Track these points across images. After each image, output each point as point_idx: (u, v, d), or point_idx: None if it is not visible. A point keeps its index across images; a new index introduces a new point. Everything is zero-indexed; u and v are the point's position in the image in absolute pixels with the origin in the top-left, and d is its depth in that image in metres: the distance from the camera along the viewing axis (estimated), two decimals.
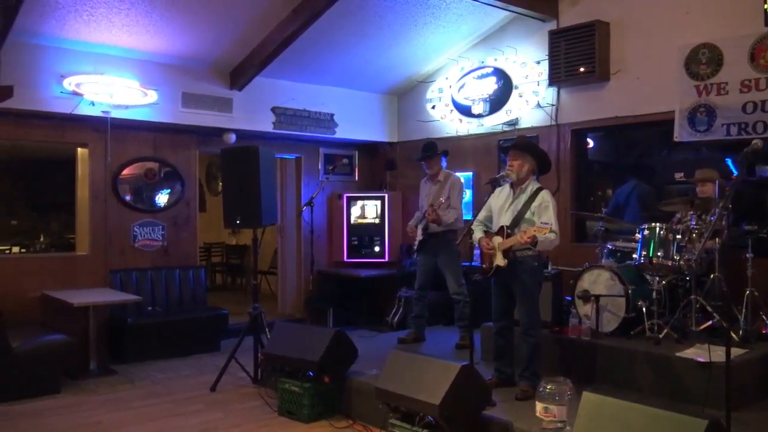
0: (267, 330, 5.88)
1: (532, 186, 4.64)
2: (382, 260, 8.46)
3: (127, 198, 7.17)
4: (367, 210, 8.61)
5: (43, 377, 5.60)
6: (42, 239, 11.64)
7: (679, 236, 4.91)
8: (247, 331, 5.92)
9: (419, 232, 6.01)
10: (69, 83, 6.22)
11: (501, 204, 4.72)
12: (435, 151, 6.11)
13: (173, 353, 6.85)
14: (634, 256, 5.07)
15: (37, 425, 4.84)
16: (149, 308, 7.08)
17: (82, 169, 7.08)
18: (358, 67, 7.75)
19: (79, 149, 7.06)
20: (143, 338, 6.77)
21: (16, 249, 10.63)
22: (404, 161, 8.53)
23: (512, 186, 4.72)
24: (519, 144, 4.97)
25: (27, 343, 5.58)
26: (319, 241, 8.38)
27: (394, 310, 7.52)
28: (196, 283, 7.59)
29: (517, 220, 4.55)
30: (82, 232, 7.14)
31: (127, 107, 6.63)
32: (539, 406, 3.84)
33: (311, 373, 4.94)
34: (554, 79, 6.61)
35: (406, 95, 8.62)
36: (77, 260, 6.96)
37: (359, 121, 8.46)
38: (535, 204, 4.54)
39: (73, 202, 7.28)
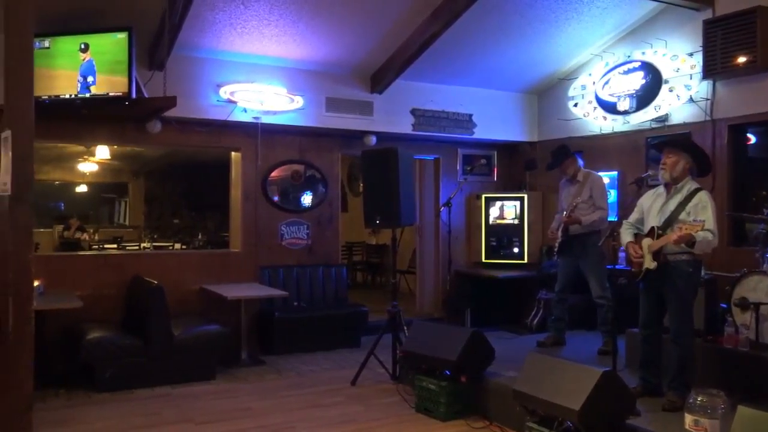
0: (405, 328, 5.99)
1: (688, 186, 4.36)
2: (521, 261, 8.32)
3: (275, 199, 7.59)
4: (506, 211, 8.50)
5: (201, 364, 6.06)
6: (200, 237, 12.51)
7: None
8: (386, 328, 6.05)
9: (559, 234, 5.86)
10: (224, 92, 6.69)
11: (653, 205, 4.49)
12: (566, 154, 5.94)
13: (316, 347, 7.16)
14: None
15: (196, 408, 5.25)
16: (295, 303, 7.45)
17: (236, 172, 7.57)
18: (498, 66, 7.69)
19: (233, 153, 7.56)
20: (289, 331, 7.13)
21: (177, 246, 11.49)
22: (545, 161, 8.29)
23: (666, 186, 4.47)
24: (674, 140, 4.70)
25: (187, 332, 6.06)
26: (456, 241, 8.39)
27: (533, 313, 7.38)
28: (338, 281, 7.87)
29: (670, 221, 4.29)
30: (235, 231, 7.64)
31: (275, 113, 7.02)
32: (689, 418, 3.63)
33: (448, 372, 4.97)
34: (709, 72, 6.18)
35: (547, 93, 8.42)
36: (231, 257, 7.46)
37: (498, 121, 8.38)
38: (691, 204, 4.26)
39: (227, 202, 7.81)
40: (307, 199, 7.79)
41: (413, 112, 7.82)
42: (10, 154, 2.94)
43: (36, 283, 3.94)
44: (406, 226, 6.12)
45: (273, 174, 7.57)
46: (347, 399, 5.50)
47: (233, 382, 6.05)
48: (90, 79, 5.82)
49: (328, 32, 6.61)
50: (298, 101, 7.03)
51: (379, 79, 7.46)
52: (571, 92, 7.81)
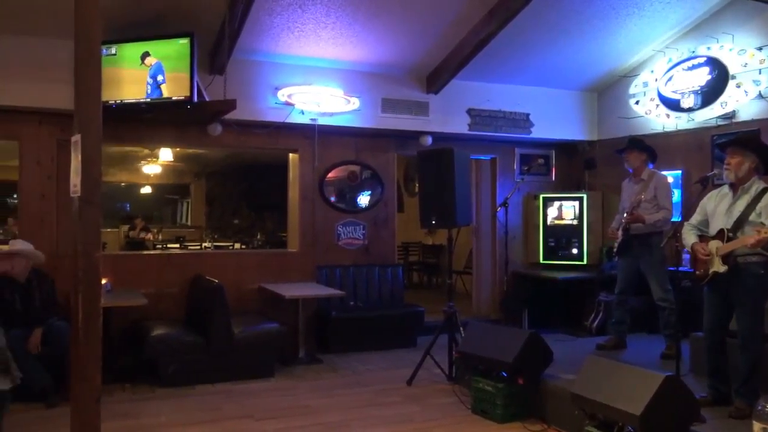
0: (461, 328, 5.96)
1: (756, 186, 4.19)
2: (580, 263, 8.16)
3: (332, 199, 7.66)
4: (565, 211, 8.36)
5: (260, 362, 6.17)
6: (259, 237, 12.72)
7: None
8: (442, 329, 6.03)
9: (620, 233, 5.73)
10: (282, 94, 6.81)
11: (718, 207, 4.33)
12: (637, 145, 5.80)
13: (372, 346, 7.20)
14: None
15: (256, 404, 5.35)
16: (351, 303, 7.51)
17: (293, 173, 7.69)
18: (555, 64, 7.57)
19: (291, 154, 7.67)
20: (345, 331, 7.19)
21: (237, 245, 11.72)
22: (605, 160, 8.17)
23: (732, 187, 4.31)
24: (738, 140, 4.53)
25: (246, 330, 6.18)
26: (513, 241, 8.28)
27: (593, 315, 7.23)
28: (394, 281, 7.89)
29: (740, 223, 4.13)
30: (292, 231, 7.76)
31: (332, 114, 7.10)
32: (757, 426, 3.49)
33: (505, 374, 4.92)
34: None
35: (607, 91, 8.24)
36: (288, 256, 7.57)
37: (556, 120, 8.25)
38: (761, 205, 4.09)
39: (285, 202, 7.93)
40: (363, 199, 7.83)
41: (469, 111, 7.78)
42: (80, 157, 3.05)
43: (104, 281, 4.09)
44: (462, 226, 6.09)
45: (330, 175, 7.64)
46: (404, 399, 5.51)
47: (291, 379, 6.14)
48: (160, 78, 6.01)
49: (384, 33, 6.65)
50: (355, 102, 7.08)
51: (435, 79, 7.44)
52: (632, 89, 7.63)
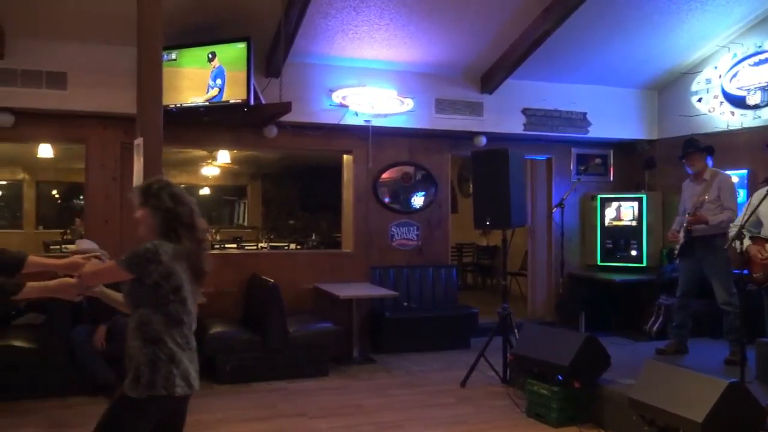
0: (516, 331, 5.90)
1: None
2: (640, 265, 7.96)
3: (386, 200, 7.69)
4: (623, 211, 8.16)
5: (314, 360, 6.24)
6: (313, 237, 12.86)
7: None
8: (497, 330, 5.99)
9: (681, 235, 5.57)
10: (336, 96, 6.87)
11: None
12: (697, 146, 5.62)
13: (425, 347, 7.18)
14: None
15: (311, 402, 5.42)
16: (404, 303, 7.52)
17: (347, 174, 7.75)
18: (613, 62, 7.41)
19: (345, 156, 7.74)
20: (399, 331, 7.20)
21: (292, 246, 11.88)
22: (665, 160, 7.94)
23: None
24: None
25: (301, 329, 6.26)
26: (570, 243, 8.14)
27: (652, 319, 7.03)
28: (448, 282, 7.86)
29: None
30: (347, 232, 7.82)
31: (386, 116, 7.12)
32: None
33: (560, 377, 4.84)
34: None
35: (667, 89, 8.01)
36: (343, 257, 7.63)
37: (614, 119, 8.07)
38: None
39: (339, 203, 8.00)
40: (417, 200, 7.83)
41: (524, 111, 7.69)
42: (142, 159, 3.16)
43: None
44: (517, 227, 6.03)
45: (383, 176, 7.67)
46: (457, 400, 5.49)
47: (345, 379, 6.19)
48: (219, 81, 6.16)
49: (438, 34, 6.64)
50: (408, 103, 7.09)
51: (490, 79, 7.39)
52: (694, 87, 7.41)
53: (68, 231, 12.31)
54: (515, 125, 7.67)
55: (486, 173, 6.00)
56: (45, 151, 9.51)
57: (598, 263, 8.23)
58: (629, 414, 4.14)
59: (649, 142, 8.29)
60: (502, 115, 7.59)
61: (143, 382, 2.57)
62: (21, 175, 14.48)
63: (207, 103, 6.20)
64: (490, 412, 5.18)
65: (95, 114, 6.42)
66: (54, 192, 15.77)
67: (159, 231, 2.68)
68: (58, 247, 10.77)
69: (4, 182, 15.15)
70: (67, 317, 5.55)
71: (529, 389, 5.04)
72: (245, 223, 16.52)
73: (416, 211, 7.82)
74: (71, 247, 6.24)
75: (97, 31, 6.02)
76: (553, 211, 7.75)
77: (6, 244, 3.10)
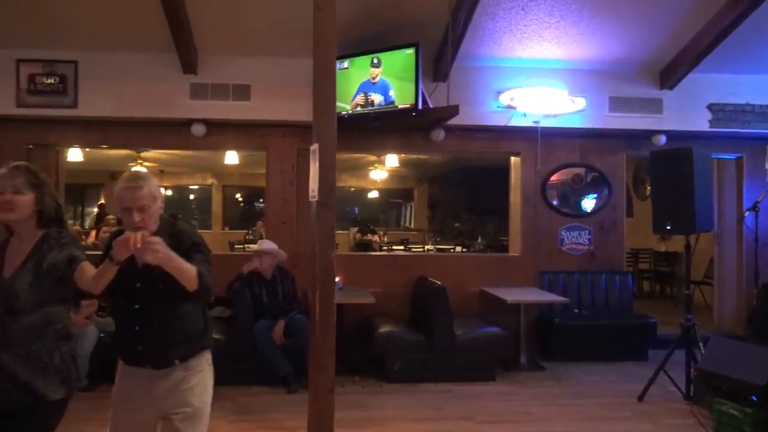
0: (701, 344, 5.45)
1: None
2: None
3: (555, 203, 7.45)
4: None
5: (481, 364, 6.18)
6: (479, 240, 12.79)
7: None
8: (678, 343, 5.57)
9: None
10: (504, 98, 6.77)
11: None
12: None
13: (597, 357, 6.85)
14: None
15: (478, 406, 5.38)
16: (575, 310, 7.23)
17: (515, 176, 7.61)
18: None
19: (512, 158, 7.61)
20: (569, 339, 6.94)
21: (458, 248, 11.89)
22: None
23: None
24: None
25: (468, 333, 6.24)
26: (765, 250, 7.38)
27: None
28: (623, 289, 7.45)
29: None
30: (514, 235, 7.68)
31: (555, 116, 6.91)
32: None
33: (755, 398, 4.38)
34: None
35: None
36: (510, 260, 7.51)
37: None
38: None
39: (506, 206, 7.88)
40: (588, 203, 7.51)
41: (710, 107, 7.09)
42: (317, 164, 3.31)
43: (336, 279, 4.40)
44: (702, 232, 5.57)
45: (553, 178, 7.45)
46: (635, 415, 5.17)
47: (513, 385, 6.07)
48: (391, 93, 6.34)
49: (611, 30, 6.32)
50: (580, 102, 6.82)
51: (670, 73, 6.91)
52: None
53: (250, 232, 13.29)
54: (699, 122, 7.10)
55: (667, 174, 5.61)
56: (231, 158, 10.35)
57: None
58: None
59: None
60: (683, 112, 7.07)
61: (73, 377, 2.58)
62: (210, 180, 15.90)
63: (377, 110, 6.36)
64: (672, 430, 4.83)
65: (276, 123, 6.86)
66: (237, 195, 17.13)
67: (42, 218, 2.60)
68: (241, 246, 11.68)
69: (196, 186, 16.72)
70: (250, 312, 5.97)
71: (717, 409, 4.62)
72: (411, 226, 16.83)
73: (588, 214, 7.50)
74: (253, 246, 6.71)
75: (277, 46, 6.43)
76: (745, 215, 7.09)
77: None
